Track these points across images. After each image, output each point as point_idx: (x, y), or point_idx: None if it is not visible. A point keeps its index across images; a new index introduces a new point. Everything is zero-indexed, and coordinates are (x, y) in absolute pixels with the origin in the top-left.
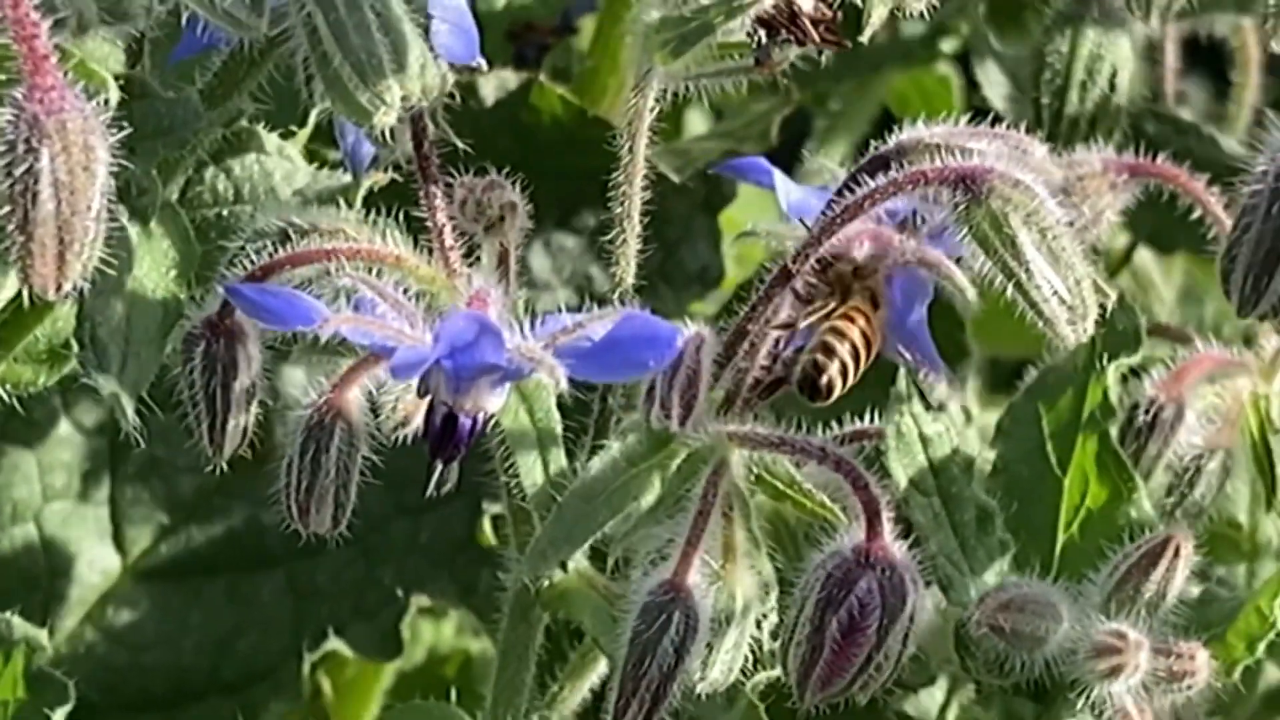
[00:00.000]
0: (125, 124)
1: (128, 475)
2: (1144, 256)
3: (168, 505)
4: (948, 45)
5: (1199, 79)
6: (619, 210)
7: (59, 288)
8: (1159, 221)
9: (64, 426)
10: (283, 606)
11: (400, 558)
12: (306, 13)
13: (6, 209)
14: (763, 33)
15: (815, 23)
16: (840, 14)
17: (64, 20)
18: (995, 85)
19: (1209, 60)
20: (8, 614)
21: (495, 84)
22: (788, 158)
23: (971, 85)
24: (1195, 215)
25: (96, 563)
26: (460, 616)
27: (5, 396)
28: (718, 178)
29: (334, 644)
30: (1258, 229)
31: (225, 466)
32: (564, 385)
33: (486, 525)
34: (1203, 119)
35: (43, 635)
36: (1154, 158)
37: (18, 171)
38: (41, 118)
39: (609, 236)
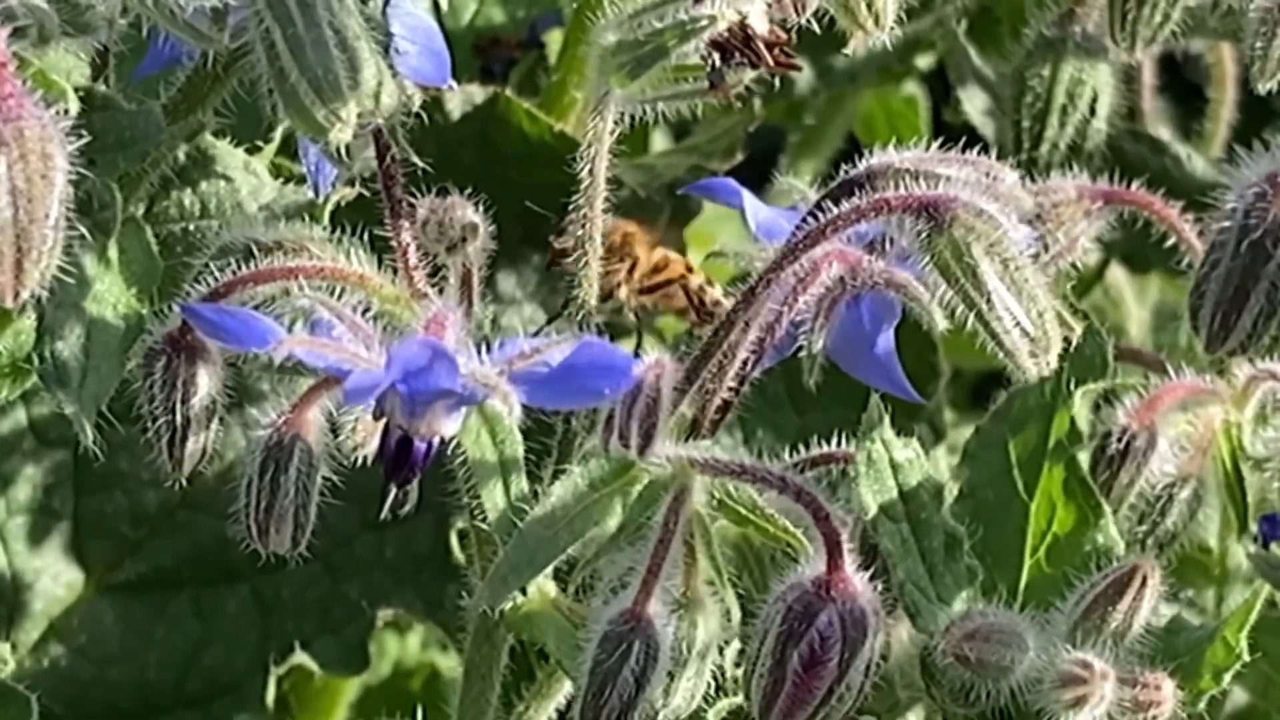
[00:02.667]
0: (86, 135)
1: (91, 488)
2: (1116, 273)
3: (131, 519)
4: (923, 60)
5: (1174, 94)
6: (580, 233)
7: (16, 295)
8: (1133, 242)
9: (27, 439)
10: (248, 621)
11: (366, 573)
12: (265, 28)
13: None
14: (717, 56)
15: (769, 46)
16: (800, 34)
17: (24, 30)
18: (974, 100)
19: (1184, 75)
20: None
21: (461, 98)
22: (761, 172)
23: (941, 103)
24: (1170, 238)
25: (60, 576)
26: (426, 630)
27: None
28: (681, 192)
29: (300, 658)
30: (1226, 265)
31: (188, 480)
32: (517, 413)
33: (454, 540)
34: (1178, 136)
35: (5, 649)
36: (1129, 182)
37: None
38: None
39: (571, 258)
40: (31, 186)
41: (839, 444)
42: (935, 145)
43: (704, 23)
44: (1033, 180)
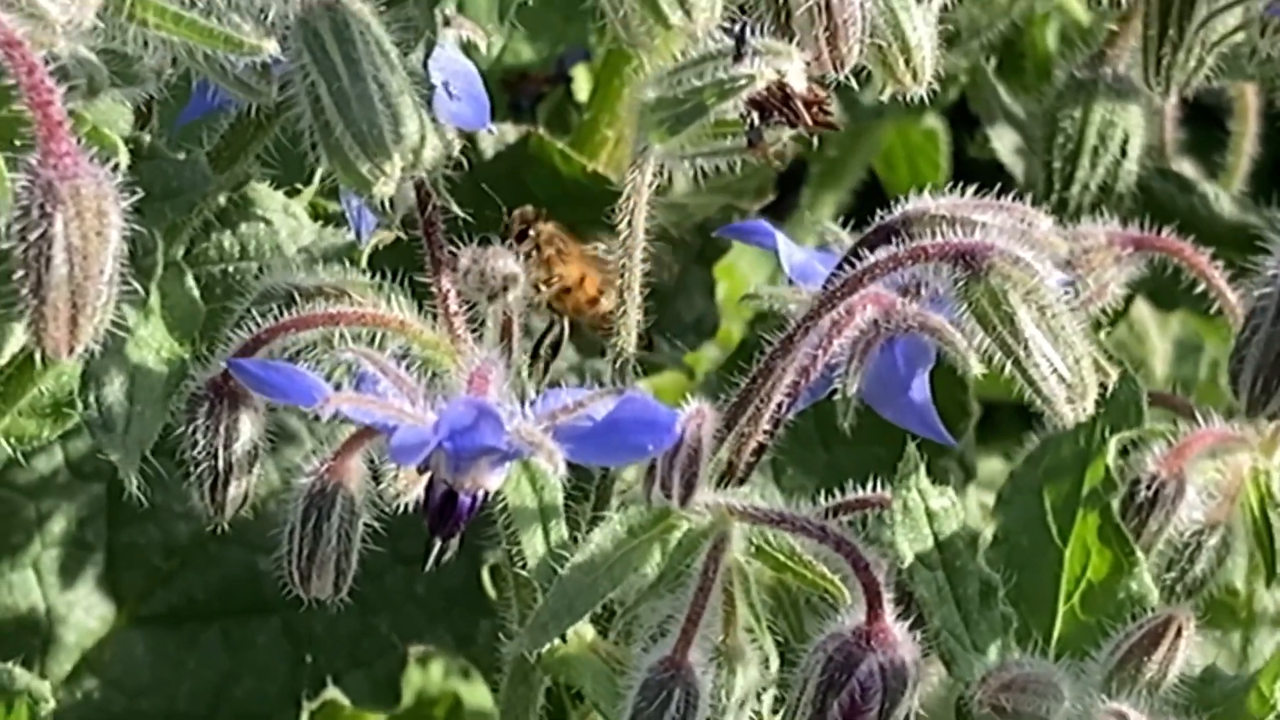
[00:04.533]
0: (133, 185)
1: (125, 521)
2: (1140, 306)
3: (164, 551)
4: (948, 95)
5: (1191, 119)
6: (619, 282)
7: (71, 350)
8: (1159, 280)
9: (62, 473)
10: (278, 653)
11: (397, 607)
12: (310, 82)
13: (20, 273)
14: (755, 114)
15: (808, 105)
16: (833, 92)
17: (75, 84)
18: (1004, 139)
19: (1200, 99)
20: (10, 664)
21: (494, 137)
22: (782, 199)
23: (964, 136)
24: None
25: (93, 608)
26: (449, 658)
27: (8, 448)
28: (711, 228)
29: (331, 693)
30: (1266, 331)
31: None
32: (562, 470)
33: (485, 576)
34: (1200, 167)
35: (45, 687)
36: (1158, 225)
37: (32, 236)
38: (55, 183)
39: (611, 308)
40: (87, 244)
41: (868, 482)
42: (960, 184)
43: (743, 81)
44: (1062, 221)
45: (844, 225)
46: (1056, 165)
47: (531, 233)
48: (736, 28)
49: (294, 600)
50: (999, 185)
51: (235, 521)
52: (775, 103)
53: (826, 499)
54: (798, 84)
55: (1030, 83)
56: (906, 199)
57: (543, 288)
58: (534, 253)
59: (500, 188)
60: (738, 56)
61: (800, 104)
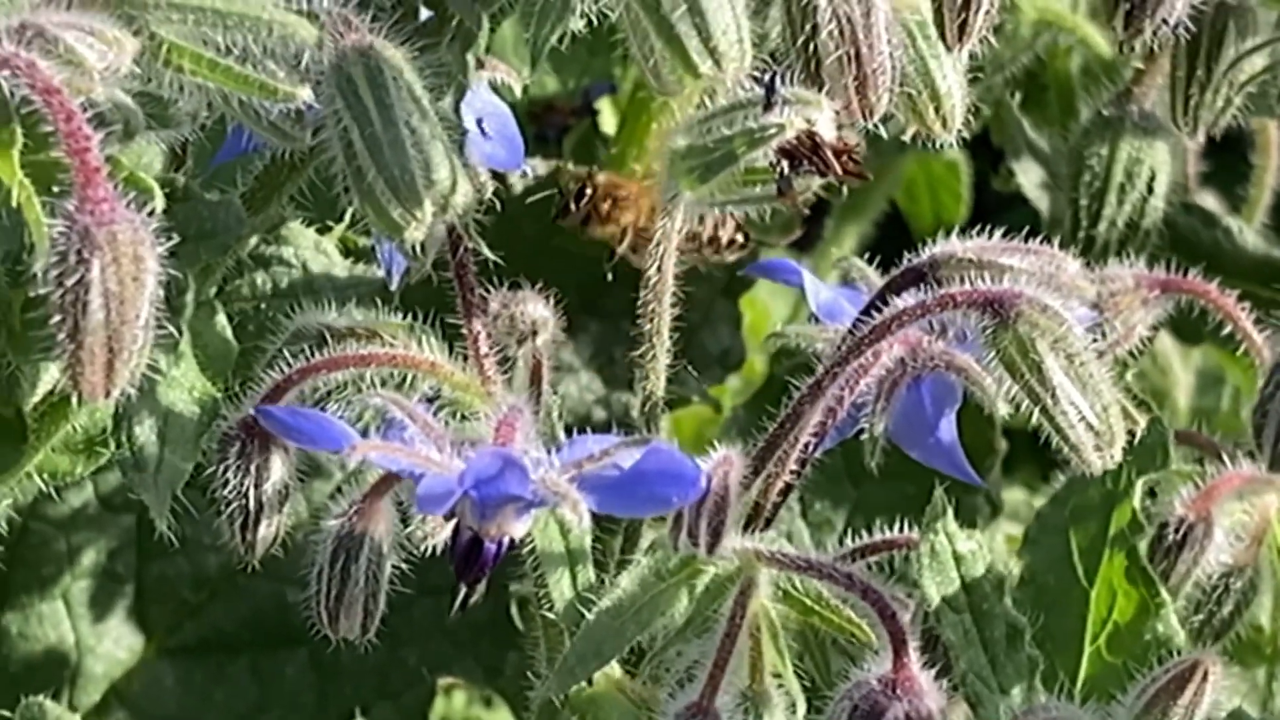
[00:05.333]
0: (168, 228)
1: (154, 553)
2: (1163, 340)
3: (193, 583)
4: (970, 127)
5: (1216, 158)
6: (648, 326)
7: (107, 394)
8: (1184, 316)
9: (92, 506)
10: (306, 685)
11: (425, 639)
12: (343, 127)
13: (57, 318)
14: (785, 163)
15: (837, 153)
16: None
17: (112, 128)
18: (1029, 174)
19: (1227, 139)
20: (39, 696)
21: (524, 175)
22: (804, 231)
23: (985, 167)
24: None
25: (122, 640)
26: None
27: (42, 485)
28: (738, 263)
29: None
30: None
31: None
32: (586, 522)
33: (513, 608)
34: (1221, 199)
35: (74, 719)
36: (1183, 264)
37: (69, 282)
38: (92, 229)
39: (639, 352)
40: (124, 289)
41: (897, 518)
42: (982, 216)
43: (773, 130)
44: (1089, 257)
45: (866, 257)
46: (1083, 202)
47: (588, 191)
48: (767, 77)
49: (322, 632)
50: (1020, 214)
51: (263, 555)
52: (805, 151)
53: (854, 534)
54: (827, 133)
55: (1053, 116)
56: (932, 237)
57: (618, 244)
58: (592, 212)
59: (527, 220)
60: (768, 105)
61: (830, 153)
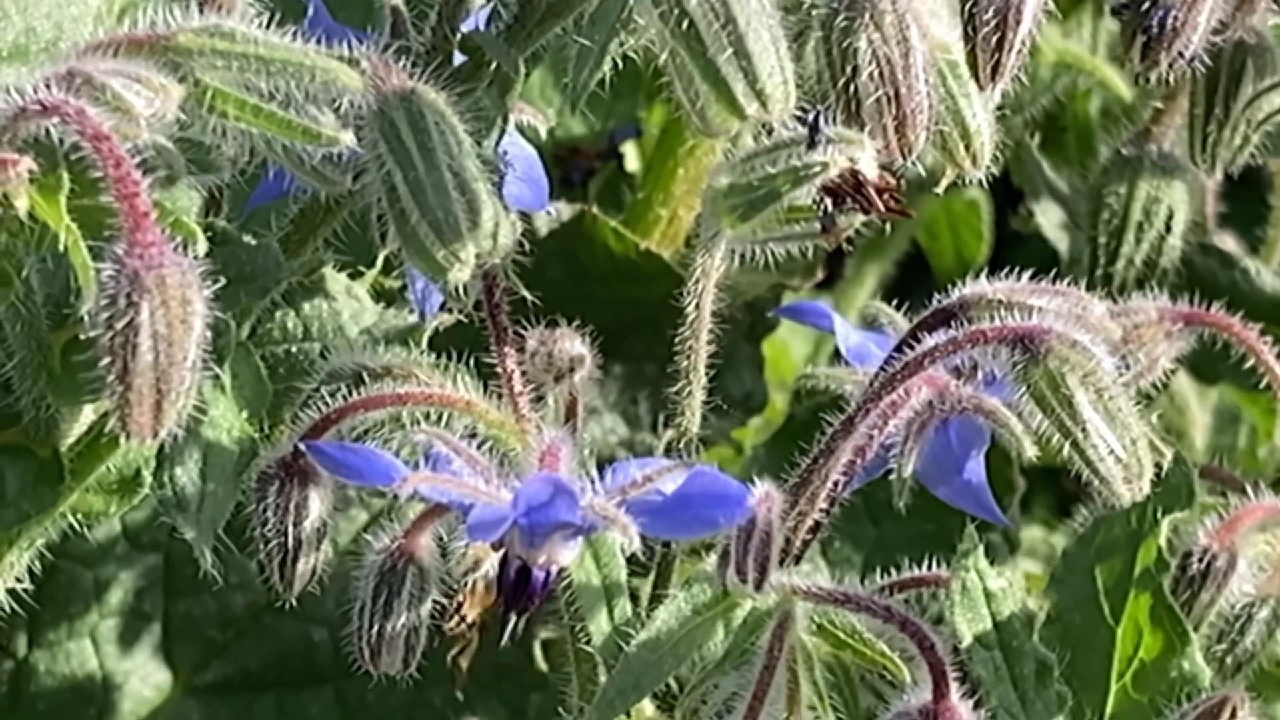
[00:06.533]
0: (209, 272)
1: (181, 592)
2: (1181, 379)
3: (219, 622)
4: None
5: (1235, 199)
6: (685, 363)
7: (155, 435)
8: (1203, 354)
9: (120, 544)
10: None
11: (450, 680)
12: (386, 171)
13: (106, 359)
14: (828, 201)
15: (880, 191)
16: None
17: (156, 174)
18: (1048, 214)
19: (1246, 180)
20: None
21: (548, 215)
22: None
23: (1007, 208)
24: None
25: (149, 677)
26: None
27: (74, 524)
28: (761, 306)
29: None
30: None
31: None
32: (636, 544)
33: (537, 650)
34: (1240, 240)
35: None
36: (1206, 300)
37: (119, 325)
38: (141, 273)
39: (675, 389)
40: (172, 331)
41: (916, 557)
42: (1001, 253)
43: (816, 169)
44: (1106, 290)
45: (886, 295)
46: (1101, 241)
47: None
48: (810, 116)
49: (348, 671)
50: (1034, 251)
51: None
52: (848, 189)
53: (873, 573)
54: (870, 171)
55: (1072, 156)
56: (953, 274)
57: None
58: None
59: (552, 263)
60: (812, 144)
61: (873, 191)
